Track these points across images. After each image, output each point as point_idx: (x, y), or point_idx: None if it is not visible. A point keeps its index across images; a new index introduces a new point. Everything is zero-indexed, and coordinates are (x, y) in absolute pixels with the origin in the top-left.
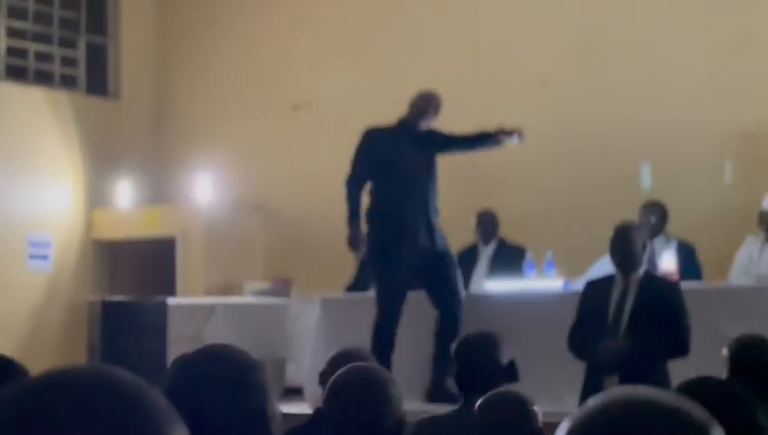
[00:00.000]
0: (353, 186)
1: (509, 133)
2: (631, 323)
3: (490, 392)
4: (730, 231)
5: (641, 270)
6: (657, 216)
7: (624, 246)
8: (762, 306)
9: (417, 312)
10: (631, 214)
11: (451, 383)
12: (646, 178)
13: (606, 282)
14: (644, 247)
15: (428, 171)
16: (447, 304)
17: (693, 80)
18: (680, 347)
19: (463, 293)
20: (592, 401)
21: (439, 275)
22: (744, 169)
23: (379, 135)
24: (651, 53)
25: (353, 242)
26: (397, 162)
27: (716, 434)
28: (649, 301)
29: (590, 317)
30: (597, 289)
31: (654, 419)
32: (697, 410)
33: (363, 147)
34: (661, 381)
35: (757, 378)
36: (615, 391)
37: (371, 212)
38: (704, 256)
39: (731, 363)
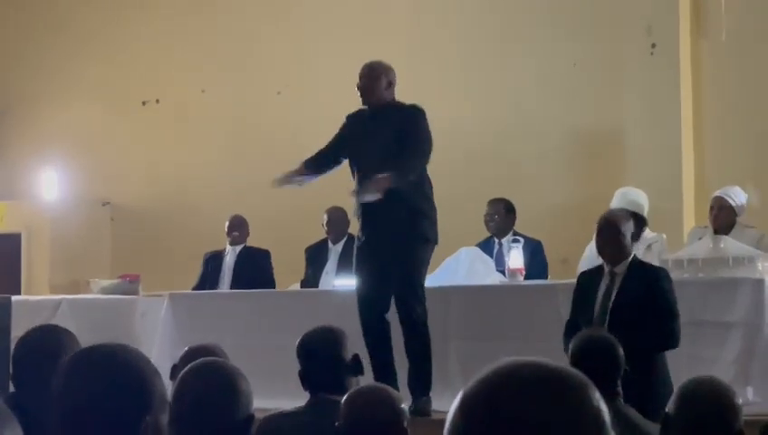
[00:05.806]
0: None
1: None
2: (613, 316)
3: (356, 388)
4: (571, 228)
5: (629, 259)
6: (502, 213)
7: (610, 236)
8: None
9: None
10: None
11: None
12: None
13: (595, 273)
14: (634, 237)
15: None
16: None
17: (531, 80)
18: (668, 340)
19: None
20: (483, 371)
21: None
22: (584, 166)
23: None
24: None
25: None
26: None
27: (594, 393)
28: (635, 291)
29: (580, 311)
30: (587, 281)
31: (539, 379)
32: (577, 374)
33: None
34: (660, 375)
35: (595, 373)
36: (504, 361)
37: None
38: (546, 252)
39: (572, 360)
